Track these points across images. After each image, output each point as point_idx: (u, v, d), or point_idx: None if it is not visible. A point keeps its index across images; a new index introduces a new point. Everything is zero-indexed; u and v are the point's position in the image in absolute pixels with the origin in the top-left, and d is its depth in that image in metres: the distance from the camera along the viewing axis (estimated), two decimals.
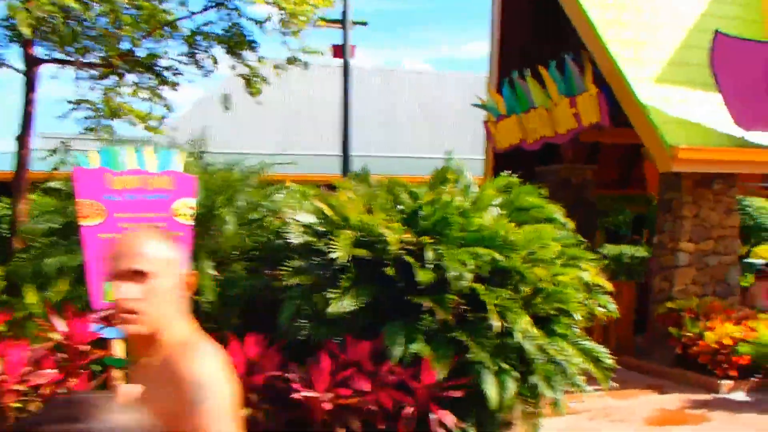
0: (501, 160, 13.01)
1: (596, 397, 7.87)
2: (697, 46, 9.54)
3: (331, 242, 4.75)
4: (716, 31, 8.68)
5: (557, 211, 6.27)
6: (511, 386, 4.79)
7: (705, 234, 9.51)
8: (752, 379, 8.21)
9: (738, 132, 9.07)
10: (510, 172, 6.78)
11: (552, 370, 5.24)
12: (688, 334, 8.57)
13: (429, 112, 23.39)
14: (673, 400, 7.76)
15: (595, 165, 13.92)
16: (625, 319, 10.07)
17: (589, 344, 5.66)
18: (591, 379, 5.65)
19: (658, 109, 8.91)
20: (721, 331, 8.31)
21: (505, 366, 4.81)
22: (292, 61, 8.61)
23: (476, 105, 12.40)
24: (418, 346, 4.61)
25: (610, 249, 18.65)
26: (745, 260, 16.38)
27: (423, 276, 4.64)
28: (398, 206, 5.66)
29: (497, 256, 5.04)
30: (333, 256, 4.68)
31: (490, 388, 4.69)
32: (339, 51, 9.70)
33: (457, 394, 4.64)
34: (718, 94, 8.81)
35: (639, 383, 8.59)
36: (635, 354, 9.81)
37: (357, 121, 21.26)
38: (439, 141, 19.96)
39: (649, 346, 9.74)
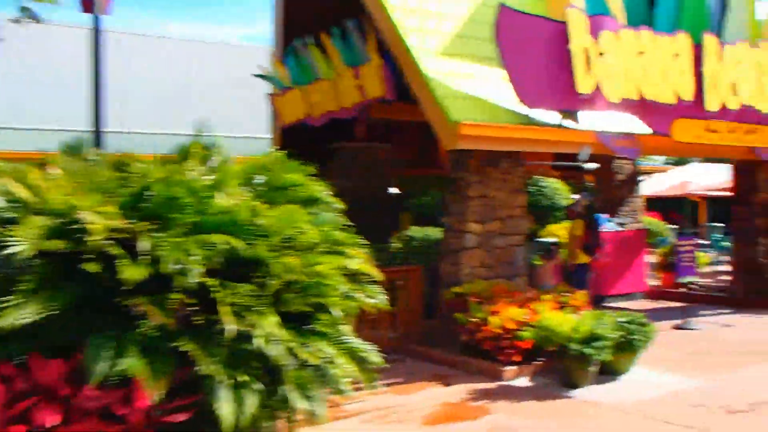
0: (289, 138, 12.27)
1: (378, 394, 7.33)
2: (484, 20, 9.24)
3: (12, 232, 3.71)
4: (501, 5, 8.38)
5: (323, 191, 5.56)
6: (252, 401, 4.00)
7: (492, 214, 9.28)
8: (535, 363, 8.04)
9: (523, 109, 8.88)
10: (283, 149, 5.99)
11: (307, 376, 4.52)
12: (474, 319, 8.25)
13: (215, 86, 22.05)
14: (457, 392, 7.37)
15: (390, 144, 13.53)
16: (414, 305, 9.71)
17: (356, 342, 5.00)
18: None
19: (442, 82, 8.50)
20: (506, 315, 8.04)
21: (243, 378, 4.01)
22: (25, 10, 7.29)
23: (259, 76, 11.53)
24: (129, 361, 3.70)
25: (415, 231, 18.57)
26: (536, 240, 16.82)
27: (131, 272, 3.72)
28: (126, 187, 4.69)
29: (237, 243, 4.22)
30: (14, 250, 3.65)
31: (224, 405, 3.88)
32: (88, 4, 8.28)
33: (183, 417, 3.79)
34: (503, 70, 8.54)
35: (425, 374, 8.17)
36: (425, 342, 9.45)
37: (123, 94, 19.57)
38: (232, 118, 18.87)
39: (438, 333, 9.40)
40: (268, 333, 4.11)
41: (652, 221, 27.32)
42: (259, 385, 4.11)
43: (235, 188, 4.97)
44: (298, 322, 4.67)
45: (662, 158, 51.26)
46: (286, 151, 5.90)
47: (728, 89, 9.95)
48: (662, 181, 32.01)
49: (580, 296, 8.87)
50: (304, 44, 10.02)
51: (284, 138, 12.25)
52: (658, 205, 34.26)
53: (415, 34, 8.79)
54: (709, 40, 9.71)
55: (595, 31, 8.67)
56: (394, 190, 18.78)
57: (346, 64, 9.19)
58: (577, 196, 13.84)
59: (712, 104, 9.79)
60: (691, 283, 11.75)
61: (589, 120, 9.36)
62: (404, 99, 9.46)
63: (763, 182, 13.17)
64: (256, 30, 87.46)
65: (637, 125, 9.68)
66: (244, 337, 4.09)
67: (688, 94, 9.50)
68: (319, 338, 4.68)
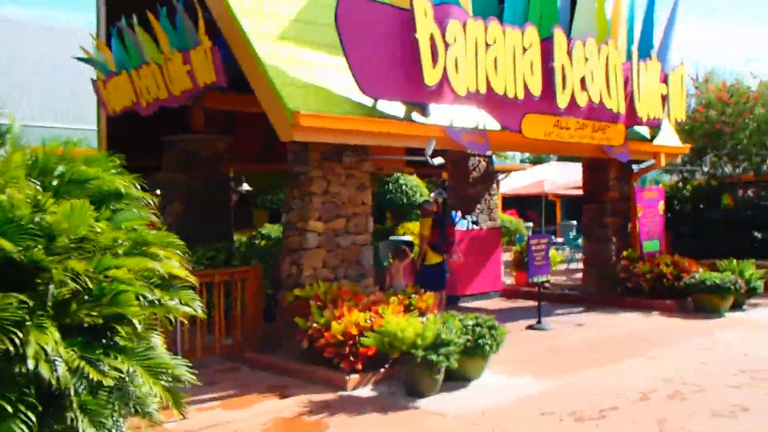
0: (118, 128, 11.54)
1: (205, 409, 6.92)
2: (326, 4, 8.93)
3: None
4: None
5: (129, 185, 5.05)
6: None
7: (336, 212, 9.01)
8: (380, 371, 7.82)
9: (367, 101, 8.65)
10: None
11: (99, 400, 4.03)
12: (315, 324, 7.95)
13: (37, 71, 20.66)
14: (294, 405, 7.02)
15: (233, 136, 13.02)
16: (252, 308, 9.32)
17: (165, 357, 4.54)
18: (195, 389, 4.59)
19: (279, 69, 8.13)
20: (348, 320, 7.79)
21: (9, 406, 3.49)
22: None
23: (80, 59, 10.72)
24: None
25: (269, 229, 18.10)
26: (390, 238, 16.85)
27: None
28: None
29: (6, 245, 3.69)
30: None
31: None
32: None
33: None
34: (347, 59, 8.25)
35: (261, 385, 7.79)
36: (265, 349, 9.07)
37: None
38: (58, 106, 17.67)
39: (279, 340, 9.04)
40: (43, 351, 3.61)
41: (511, 219, 28.27)
42: (31, 414, 3.59)
43: (20, 180, 4.41)
44: (93, 336, 4.19)
45: (520, 156, 53.21)
46: (107, 142, 5.37)
47: (577, 85, 10.15)
48: (520, 179, 33.12)
49: (429, 298, 8.75)
50: (129, 24, 9.37)
51: (112, 128, 11.49)
52: (516, 203, 35.50)
53: (250, 17, 8.36)
54: (558, 35, 9.85)
55: (441, 21, 8.54)
56: (245, 187, 18.26)
57: (175, 48, 8.65)
58: (433, 194, 13.90)
59: (561, 100, 9.94)
60: (547, 281, 11.97)
61: (438, 114, 9.27)
62: (243, 88, 9.01)
63: (612, 181, 13.66)
64: None
65: (486, 120, 9.69)
66: (16, 356, 3.57)
67: (538, 89, 9.60)
68: (117, 354, 4.20)
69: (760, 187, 16.21)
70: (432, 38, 8.44)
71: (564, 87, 9.94)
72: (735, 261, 12.56)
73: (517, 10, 9.61)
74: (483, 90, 8.91)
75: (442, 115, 9.29)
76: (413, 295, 8.72)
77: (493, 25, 9.16)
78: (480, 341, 7.63)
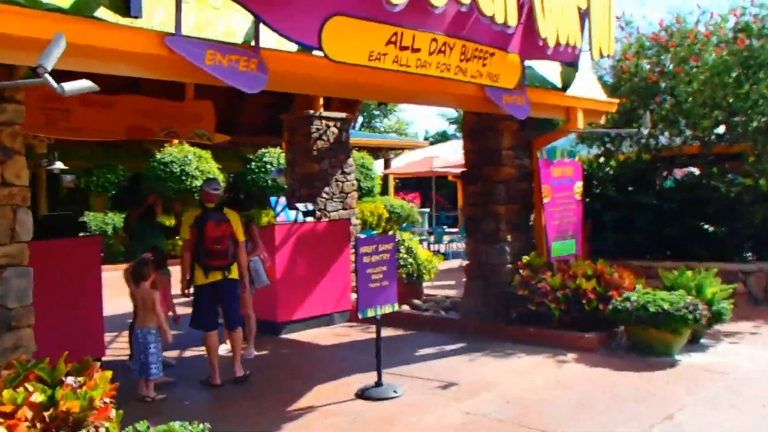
0: None
1: None
2: None
3: None
4: None
5: None
6: None
7: None
8: None
9: None
10: None
11: None
12: None
13: None
14: None
15: None
16: None
17: None
18: None
19: None
20: None
21: None
22: None
23: None
24: None
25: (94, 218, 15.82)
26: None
27: None
28: None
29: None
30: None
31: None
32: None
33: None
34: None
35: None
36: None
37: None
38: None
39: None
40: None
41: (402, 204, 24.42)
42: None
43: None
44: None
45: (423, 134, 48.80)
46: None
47: None
48: (415, 156, 29.24)
49: (101, 383, 4.30)
50: None
51: None
52: (419, 185, 31.60)
53: None
54: None
55: None
56: (58, 165, 14.92)
57: None
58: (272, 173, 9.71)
59: None
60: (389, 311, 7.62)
61: (158, 12, 4.97)
62: None
63: (506, 150, 9.57)
64: None
65: (261, 31, 5.42)
66: None
67: None
68: None
69: (707, 163, 12.41)
70: None
71: None
72: (689, 272, 8.60)
73: None
74: None
75: (163, 15, 4.97)
76: (69, 379, 4.27)
77: None
78: None
